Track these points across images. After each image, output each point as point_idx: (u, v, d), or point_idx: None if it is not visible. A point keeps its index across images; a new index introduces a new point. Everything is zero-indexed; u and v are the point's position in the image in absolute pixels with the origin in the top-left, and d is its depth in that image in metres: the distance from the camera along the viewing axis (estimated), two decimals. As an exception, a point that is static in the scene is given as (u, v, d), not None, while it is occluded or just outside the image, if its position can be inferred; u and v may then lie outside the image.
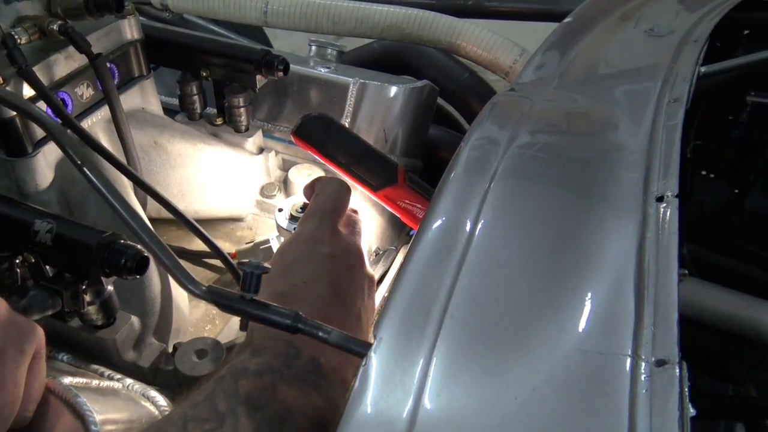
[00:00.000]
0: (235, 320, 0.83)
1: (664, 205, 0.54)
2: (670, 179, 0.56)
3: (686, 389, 0.39)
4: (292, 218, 0.77)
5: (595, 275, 0.49)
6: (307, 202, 0.76)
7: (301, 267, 0.61)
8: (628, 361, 0.42)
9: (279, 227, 0.77)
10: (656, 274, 0.47)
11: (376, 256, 0.94)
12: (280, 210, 0.78)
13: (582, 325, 0.46)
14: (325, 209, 0.66)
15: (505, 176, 0.59)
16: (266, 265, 0.52)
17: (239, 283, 0.70)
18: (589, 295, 0.48)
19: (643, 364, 0.41)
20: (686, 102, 0.67)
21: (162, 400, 0.62)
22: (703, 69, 0.77)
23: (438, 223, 0.55)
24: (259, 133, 0.98)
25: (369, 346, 0.48)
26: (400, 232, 1.02)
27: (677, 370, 0.40)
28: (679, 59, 0.78)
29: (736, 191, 1.37)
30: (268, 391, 0.49)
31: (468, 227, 0.54)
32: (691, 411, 0.39)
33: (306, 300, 0.51)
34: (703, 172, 0.94)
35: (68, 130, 0.59)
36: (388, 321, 0.48)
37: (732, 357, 1.09)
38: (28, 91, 0.69)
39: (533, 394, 0.42)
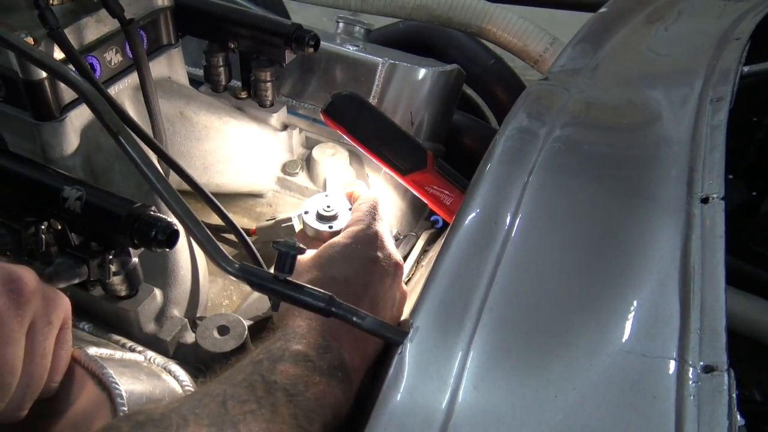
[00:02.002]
0: (254, 298, 0.82)
1: (709, 206, 0.53)
2: (716, 180, 0.55)
3: (734, 397, 0.39)
4: (321, 218, 0.75)
5: (638, 274, 0.48)
6: (326, 196, 0.76)
7: (347, 264, 0.61)
8: (674, 364, 0.42)
9: (309, 227, 0.75)
10: (702, 278, 0.46)
11: (396, 241, 0.93)
12: (306, 212, 0.76)
13: (625, 325, 0.45)
14: (374, 216, 0.67)
15: (544, 169, 0.58)
16: (301, 245, 0.51)
17: (253, 262, 0.70)
18: (632, 294, 0.47)
19: (690, 369, 0.41)
20: (730, 101, 0.66)
21: (183, 375, 0.62)
22: (746, 68, 0.75)
23: (475, 214, 0.54)
24: (284, 109, 0.96)
25: (405, 334, 0.47)
26: (419, 217, 1.01)
27: (726, 378, 0.39)
28: (721, 57, 0.76)
29: (754, 194, 1.36)
30: (303, 380, 0.49)
31: (507, 220, 0.53)
32: (740, 420, 0.38)
33: (341, 296, 0.51)
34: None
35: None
36: (425, 310, 0.48)
37: (742, 360, 1.09)
38: (57, 54, 0.67)
39: (574, 393, 0.42)
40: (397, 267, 0.64)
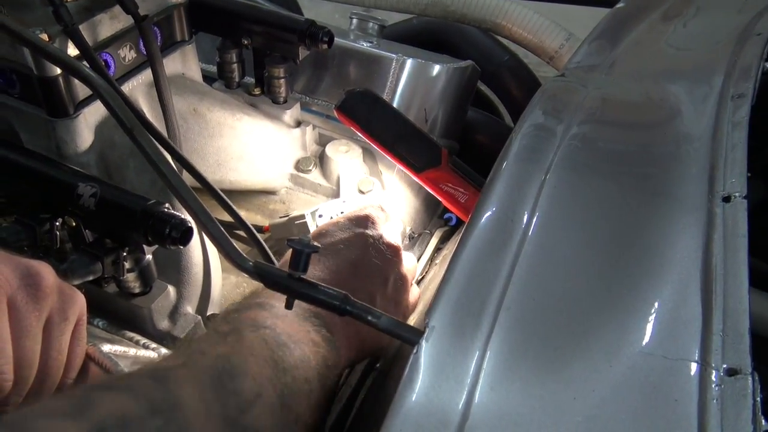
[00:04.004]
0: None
1: (731, 205, 0.51)
2: (738, 179, 0.54)
3: (759, 401, 0.38)
4: None
5: (658, 275, 0.47)
6: (343, 202, 0.76)
7: (329, 236, 0.64)
8: (696, 367, 0.41)
9: None
10: (724, 279, 0.45)
11: (410, 239, 0.93)
12: (320, 216, 0.76)
13: (645, 326, 0.44)
14: (377, 211, 0.69)
15: (562, 167, 0.57)
16: (316, 243, 0.51)
17: (264, 259, 0.70)
18: (653, 295, 0.46)
19: (713, 372, 0.40)
20: (752, 98, 0.65)
21: (197, 372, 0.62)
22: (767, 65, 0.73)
23: (492, 212, 0.54)
24: (297, 106, 0.96)
25: (421, 333, 0.46)
26: (432, 215, 1.00)
27: (750, 381, 0.38)
28: (742, 53, 0.75)
29: (772, 193, 1.33)
30: (269, 320, 0.50)
31: (524, 218, 0.53)
32: (765, 425, 0.37)
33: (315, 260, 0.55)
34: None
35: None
36: (440, 310, 0.47)
37: (762, 361, 1.08)
38: (71, 51, 0.67)
39: (593, 395, 0.41)
40: (390, 247, 0.65)
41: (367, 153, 0.95)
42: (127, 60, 0.76)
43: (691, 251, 0.48)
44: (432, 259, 0.90)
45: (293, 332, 0.50)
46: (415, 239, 0.92)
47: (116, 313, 0.67)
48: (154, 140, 0.54)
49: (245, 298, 0.55)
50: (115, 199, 0.58)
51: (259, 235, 0.68)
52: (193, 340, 0.48)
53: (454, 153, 0.97)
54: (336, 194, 0.94)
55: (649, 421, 0.39)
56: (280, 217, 0.88)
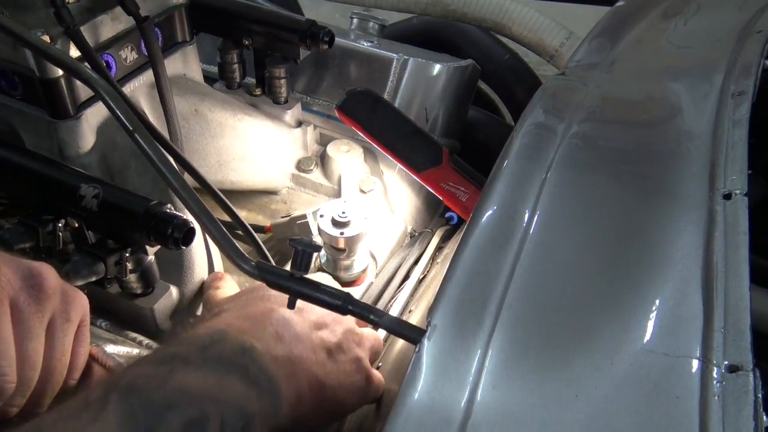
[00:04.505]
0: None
1: (732, 202, 0.52)
2: (738, 176, 0.54)
3: (760, 398, 0.38)
4: (335, 223, 0.75)
5: (659, 272, 0.47)
6: (345, 202, 0.76)
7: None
8: (697, 364, 0.41)
9: (322, 232, 0.76)
10: (725, 276, 0.45)
11: (411, 238, 0.93)
12: (321, 216, 0.76)
13: (647, 323, 0.44)
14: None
15: (562, 166, 0.57)
16: (317, 243, 0.51)
17: (261, 257, 0.70)
18: (654, 293, 0.46)
19: (714, 368, 0.40)
20: (752, 96, 0.65)
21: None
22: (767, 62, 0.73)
23: (493, 211, 0.54)
24: (298, 106, 0.96)
25: (423, 332, 0.46)
26: (434, 214, 1.00)
27: (751, 377, 0.39)
28: (742, 50, 0.75)
29: (774, 190, 1.33)
30: (158, 377, 0.42)
31: (525, 217, 0.53)
32: (766, 421, 0.37)
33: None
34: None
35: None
36: (442, 308, 0.47)
37: (763, 358, 1.08)
38: (73, 52, 0.67)
39: (595, 392, 0.41)
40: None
41: (368, 152, 0.96)
42: (128, 61, 0.76)
43: (692, 249, 0.48)
44: (433, 258, 0.90)
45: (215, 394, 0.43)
46: (416, 238, 0.92)
47: (119, 314, 0.67)
48: (155, 141, 0.55)
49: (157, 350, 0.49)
50: (117, 200, 0.58)
51: (257, 236, 0.68)
52: (63, 408, 0.40)
53: (455, 152, 0.98)
54: (337, 194, 0.94)
55: (650, 418, 0.39)
56: (282, 217, 0.88)
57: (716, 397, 0.38)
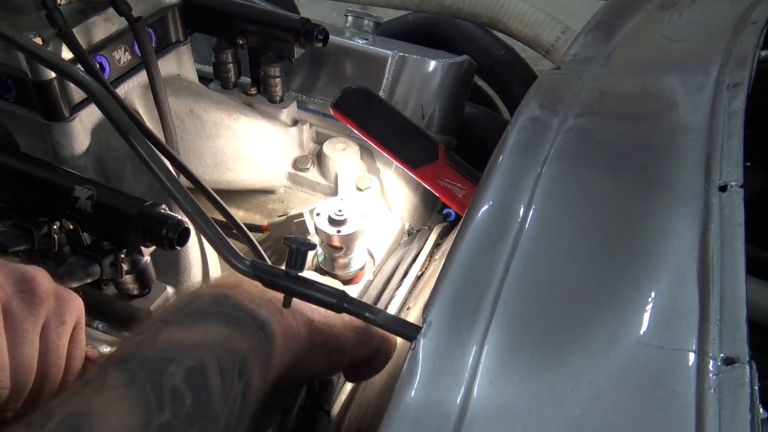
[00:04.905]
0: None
1: (728, 194, 0.51)
2: (734, 168, 0.54)
3: (757, 390, 0.38)
4: (331, 221, 0.75)
5: (655, 265, 0.47)
6: (341, 200, 0.76)
7: None
8: (693, 357, 0.41)
9: (319, 230, 0.76)
10: (721, 268, 0.45)
11: (409, 235, 0.93)
12: (318, 214, 0.76)
13: (642, 317, 0.44)
14: None
15: (558, 160, 0.57)
16: (312, 241, 0.51)
17: (257, 258, 0.70)
18: (650, 286, 0.46)
19: (711, 361, 0.40)
20: (747, 87, 0.64)
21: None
22: (763, 53, 0.73)
23: (488, 206, 0.54)
24: (294, 105, 0.96)
25: (418, 329, 0.46)
26: (431, 211, 1.00)
27: (747, 370, 0.38)
28: (738, 42, 0.75)
29: (773, 182, 1.33)
30: (146, 340, 0.43)
31: (520, 212, 0.52)
32: (762, 413, 0.37)
33: None
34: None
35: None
36: (438, 304, 0.47)
37: (763, 350, 1.07)
38: (65, 54, 0.67)
39: (591, 386, 0.41)
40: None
41: (365, 150, 0.95)
42: (122, 62, 0.76)
43: (688, 241, 0.48)
44: (431, 255, 0.90)
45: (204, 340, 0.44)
46: (414, 235, 0.92)
47: (116, 315, 0.67)
48: (149, 142, 0.54)
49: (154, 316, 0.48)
50: (111, 202, 0.58)
51: (252, 235, 0.68)
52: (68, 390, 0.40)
53: (452, 148, 0.97)
54: (334, 192, 0.94)
55: (647, 411, 0.39)
56: (279, 216, 0.88)
57: (712, 390, 0.38)
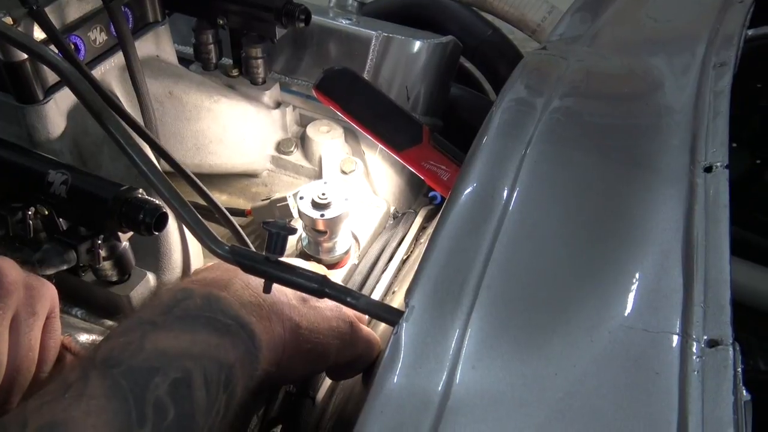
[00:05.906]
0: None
1: (713, 175, 0.51)
2: (719, 148, 0.53)
3: (740, 372, 0.37)
4: (315, 205, 0.74)
5: (639, 247, 0.47)
6: (325, 183, 0.75)
7: None
8: (677, 339, 0.40)
9: (303, 214, 0.75)
10: (706, 249, 0.45)
11: (394, 219, 0.92)
12: (302, 198, 0.75)
13: (626, 299, 0.43)
14: None
15: (542, 141, 0.56)
16: (292, 226, 0.50)
17: (239, 243, 0.69)
18: (634, 268, 0.45)
19: (694, 343, 0.39)
20: (734, 67, 0.64)
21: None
22: (750, 32, 0.73)
23: (472, 188, 0.53)
24: (277, 87, 0.94)
25: (401, 314, 0.46)
26: (417, 194, 0.99)
27: (731, 352, 0.38)
28: (724, 20, 0.74)
29: (758, 162, 1.33)
30: (133, 344, 0.41)
31: (504, 194, 0.52)
32: (746, 395, 0.37)
33: None
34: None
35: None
36: (420, 289, 0.46)
37: (747, 330, 1.08)
38: (38, 34, 0.65)
39: (574, 370, 0.41)
40: None
41: (349, 133, 0.94)
42: (97, 43, 0.74)
43: (673, 222, 0.48)
44: (417, 238, 0.89)
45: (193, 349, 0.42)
46: (399, 219, 0.91)
47: (95, 302, 0.66)
48: (124, 124, 0.53)
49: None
50: (86, 186, 0.56)
51: (234, 220, 0.67)
52: (43, 393, 0.38)
53: (437, 130, 0.96)
54: (318, 175, 0.93)
55: (630, 394, 0.38)
56: (262, 200, 0.87)
57: (695, 372, 0.38)
